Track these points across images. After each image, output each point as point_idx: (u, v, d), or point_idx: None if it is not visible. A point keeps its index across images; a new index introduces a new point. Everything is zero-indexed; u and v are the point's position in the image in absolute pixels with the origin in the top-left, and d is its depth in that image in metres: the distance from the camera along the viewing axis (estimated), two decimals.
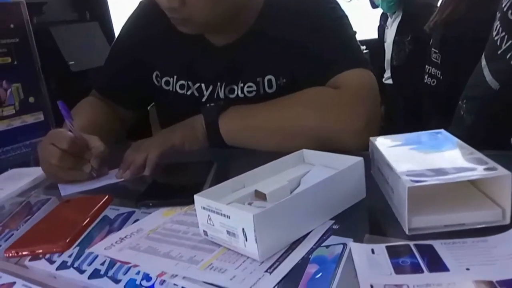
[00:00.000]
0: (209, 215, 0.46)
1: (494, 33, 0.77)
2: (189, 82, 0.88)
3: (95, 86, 1.00)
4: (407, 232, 0.43)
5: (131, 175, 0.71)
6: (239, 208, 0.46)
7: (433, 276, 0.36)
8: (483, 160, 0.44)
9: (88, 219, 0.57)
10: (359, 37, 0.80)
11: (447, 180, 0.42)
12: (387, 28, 2.06)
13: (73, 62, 1.99)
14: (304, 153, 0.60)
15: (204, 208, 0.46)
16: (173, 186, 0.66)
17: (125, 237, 0.52)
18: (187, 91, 0.88)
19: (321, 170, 0.55)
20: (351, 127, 0.67)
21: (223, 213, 0.44)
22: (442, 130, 0.57)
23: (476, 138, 0.79)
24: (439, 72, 1.05)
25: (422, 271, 0.37)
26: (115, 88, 0.96)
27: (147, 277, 0.42)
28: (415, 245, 0.41)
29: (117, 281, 0.42)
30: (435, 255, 0.39)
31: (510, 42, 0.72)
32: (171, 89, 0.90)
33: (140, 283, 0.41)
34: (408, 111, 1.70)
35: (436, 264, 0.38)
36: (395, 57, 1.94)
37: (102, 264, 0.46)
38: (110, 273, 0.44)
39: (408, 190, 0.41)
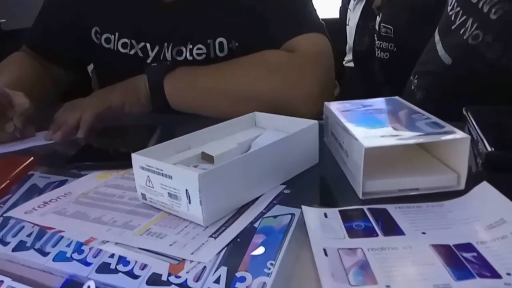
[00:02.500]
0: (148, 176, 0.41)
1: (449, 8, 0.77)
2: (133, 41, 0.80)
3: (25, 41, 0.89)
4: (360, 196, 0.41)
5: (62, 137, 0.64)
6: (182, 167, 0.41)
7: (388, 239, 0.34)
8: (440, 124, 0.43)
9: (7, 181, 0.50)
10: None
11: (405, 142, 0.40)
12: (350, 10, 2.02)
13: (4, 20, 1.80)
14: (256, 116, 0.56)
15: (142, 168, 0.41)
16: (109, 150, 0.60)
17: (50, 201, 0.45)
18: (130, 51, 0.81)
19: (273, 134, 0.51)
20: (305, 91, 0.64)
21: (165, 173, 0.39)
22: (396, 97, 0.55)
23: None
24: (392, 45, 1.05)
25: (377, 235, 0.35)
26: (47, 43, 0.86)
27: (78, 249, 0.36)
28: (369, 209, 0.39)
29: (45, 254, 0.36)
30: (389, 219, 0.37)
31: (464, 17, 0.73)
32: (112, 47, 0.82)
33: (71, 255, 0.36)
34: (369, 96, 1.68)
35: (391, 228, 0.36)
36: (357, 42, 1.90)
37: (29, 235, 0.39)
38: (37, 246, 0.38)
39: (365, 151, 0.39)
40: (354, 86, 1.83)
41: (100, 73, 0.92)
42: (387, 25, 1.08)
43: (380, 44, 1.09)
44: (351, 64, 1.96)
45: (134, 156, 0.42)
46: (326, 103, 0.55)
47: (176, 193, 0.39)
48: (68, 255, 0.36)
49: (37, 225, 0.41)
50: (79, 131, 0.64)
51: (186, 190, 0.38)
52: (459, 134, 0.39)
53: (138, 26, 0.80)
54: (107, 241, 0.37)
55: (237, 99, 0.66)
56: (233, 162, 0.40)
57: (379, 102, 0.53)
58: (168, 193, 0.39)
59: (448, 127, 0.42)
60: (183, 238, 0.37)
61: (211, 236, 0.37)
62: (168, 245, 0.36)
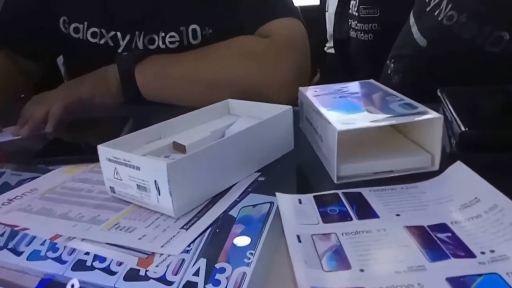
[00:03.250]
0: (115, 168, 0.39)
1: None
2: (103, 30, 0.78)
3: None
4: (335, 181, 0.40)
5: (30, 131, 0.61)
6: (151, 158, 0.40)
7: (362, 223, 0.34)
8: (413, 105, 0.42)
9: None
10: (298, 2, 0.75)
11: (378, 124, 0.39)
12: None
13: None
14: (230, 103, 0.54)
15: (109, 160, 0.39)
16: (78, 143, 0.58)
17: (15, 198, 0.43)
18: (100, 40, 0.78)
19: (247, 121, 0.50)
20: (280, 77, 0.63)
21: (132, 164, 0.37)
22: (371, 80, 0.54)
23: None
24: (376, 25, 1.02)
25: (351, 219, 0.34)
26: (14, 36, 0.82)
27: (53, 247, 0.35)
28: (344, 193, 0.38)
29: (18, 254, 0.35)
30: (364, 202, 0.37)
31: None
32: (81, 37, 0.79)
33: (46, 254, 0.34)
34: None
35: (365, 212, 0.35)
36: (337, 30, 1.86)
37: (1, 235, 0.37)
38: (10, 245, 0.36)
39: (338, 134, 0.38)
40: (336, 72, 1.79)
41: (70, 64, 0.89)
42: (368, 6, 1.06)
43: (362, 26, 1.07)
44: (333, 51, 1.93)
45: (101, 148, 0.40)
46: (300, 88, 0.54)
47: (145, 185, 0.37)
48: (42, 253, 0.34)
49: (1, 223, 0.39)
50: (47, 124, 0.62)
51: (155, 181, 0.36)
52: (432, 114, 0.39)
53: (107, 14, 0.77)
54: (73, 238, 0.35)
55: (211, 87, 0.65)
56: (204, 150, 0.39)
57: (353, 86, 0.53)
58: (137, 185, 0.38)
59: (421, 107, 0.41)
60: (153, 231, 0.35)
61: (182, 227, 0.35)
62: (137, 239, 0.34)
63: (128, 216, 0.38)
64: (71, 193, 0.43)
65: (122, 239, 0.34)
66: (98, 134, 0.60)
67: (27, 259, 0.34)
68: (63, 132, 0.61)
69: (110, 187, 0.41)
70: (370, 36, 0.99)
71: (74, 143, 0.58)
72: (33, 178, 0.48)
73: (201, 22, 0.74)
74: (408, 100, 0.44)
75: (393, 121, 0.39)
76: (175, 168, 0.35)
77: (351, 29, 1.11)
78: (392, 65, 0.83)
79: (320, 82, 1.78)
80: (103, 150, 0.40)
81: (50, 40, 0.82)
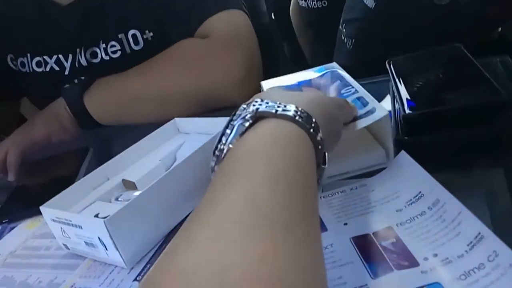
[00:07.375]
0: (61, 228, 0.38)
1: None
2: (45, 57, 0.75)
3: None
4: None
5: None
6: (91, 212, 0.39)
7: None
8: (364, 101, 0.39)
9: None
10: None
11: None
12: None
13: None
14: (177, 122, 0.53)
15: (54, 220, 0.39)
16: (39, 189, 0.57)
17: None
18: (45, 68, 0.75)
19: (196, 138, 0.49)
20: (230, 78, 0.60)
21: (74, 224, 0.37)
22: (333, 63, 0.50)
23: (358, 63, 0.76)
24: None
25: None
26: None
27: None
28: None
29: None
30: None
31: None
32: (28, 70, 0.76)
33: None
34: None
35: None
36: None
37: None
38: None
39: None
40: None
41: (32, 100, 0.87)
42: None
43: None
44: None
45: (43, 209, 0.39)
46: (262, 82, 0.51)
47: (91, 241, 0.37)
48: None
49: None
50: (8, 174, 0.61)
51: (99, 237, 0.35)
52: (378, 113, 0.36)
53: (45, 40, 0.74)
54: None
55: (164, 102, 0.63)
56: (146, 191, 0.38)
57: (313, 76, 0.49)
58: (85, 242, 0.37)
59: (371, 103, 0.38)
60: None
61: (135, 279, 0.35)
62: None
63: (84, 273, 0.38)
64: (30, 254, 0.43)
65: None
66: (58, 172, 0.60)
67: None
68: (25, 178, 0.61)
69: (63, 244, 0.40)
70: (324, 3, 0.94)
71: (34, 191, 0.57)
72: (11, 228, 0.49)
73: (139, 26, 0.71)
74: (361, 91, 0.41)
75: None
76: (115, 222, 0.35)
77: None
78: (344, 30, 0.80)
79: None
80: (46, 211, 0.39)
81: (5, 80, 0.80)
